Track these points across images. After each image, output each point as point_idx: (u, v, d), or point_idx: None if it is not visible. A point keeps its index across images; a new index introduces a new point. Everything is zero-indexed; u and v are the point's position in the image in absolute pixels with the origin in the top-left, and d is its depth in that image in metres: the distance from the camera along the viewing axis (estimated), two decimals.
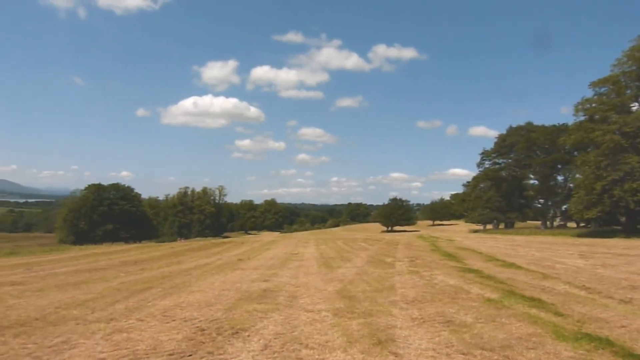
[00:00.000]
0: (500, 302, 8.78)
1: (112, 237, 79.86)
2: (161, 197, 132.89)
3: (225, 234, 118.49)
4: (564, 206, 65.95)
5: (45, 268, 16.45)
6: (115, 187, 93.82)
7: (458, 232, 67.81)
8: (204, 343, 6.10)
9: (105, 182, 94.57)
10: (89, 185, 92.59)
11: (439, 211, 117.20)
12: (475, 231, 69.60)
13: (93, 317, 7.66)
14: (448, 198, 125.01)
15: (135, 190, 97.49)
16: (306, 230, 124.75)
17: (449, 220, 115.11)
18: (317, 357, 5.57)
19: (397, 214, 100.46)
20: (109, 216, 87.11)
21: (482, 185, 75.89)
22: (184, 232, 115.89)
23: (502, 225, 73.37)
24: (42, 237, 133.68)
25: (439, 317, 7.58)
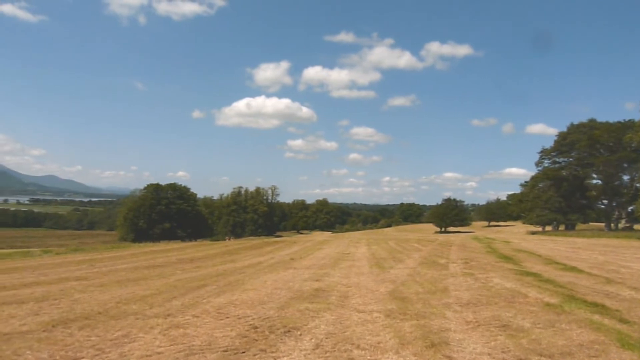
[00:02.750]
0: (560, 307, 8.43)
1: (169, 235, 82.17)
2: (216, 197, 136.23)
3: (278, 233, 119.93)
4: (630, 207, 62.50)
5: (107, 264, 17.17)
6: (172, 186, 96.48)
7: (515, 233, 65.65)
8: (256, 340, 6.19)
9: (163, 182, 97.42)
10: (148, 185, 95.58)
11: (495, 212, 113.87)
12: (534, 233, 67.12)
13: (151, 313, 7.93)
14: (504, 198, 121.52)
15: (191, 190, 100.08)
16: (358, 230, 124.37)
17: (505, 221, 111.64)
18: (368, 358, 5.53)
19: (451, 214, 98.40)
20: (167, 215, 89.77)
21: (541, 185, 73.14)
22: (238, 231, 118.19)
23: (562, 227, 70.49)
24: (104, 234, 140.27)
25: (495, 321, 7.37)
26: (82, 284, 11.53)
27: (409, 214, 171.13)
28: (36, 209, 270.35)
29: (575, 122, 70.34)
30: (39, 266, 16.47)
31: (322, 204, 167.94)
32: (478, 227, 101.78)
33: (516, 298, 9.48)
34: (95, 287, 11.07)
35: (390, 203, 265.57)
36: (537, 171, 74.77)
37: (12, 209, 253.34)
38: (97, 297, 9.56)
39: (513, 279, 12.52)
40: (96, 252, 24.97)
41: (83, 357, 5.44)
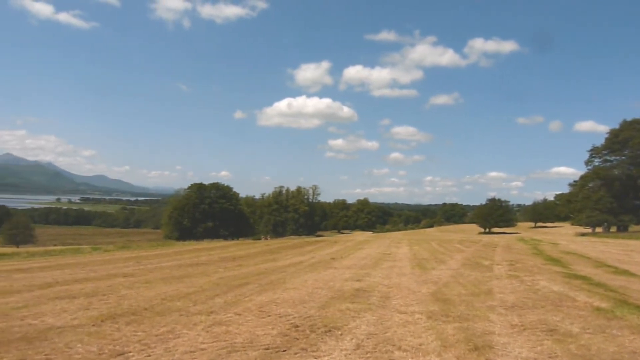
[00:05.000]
0: (612, 312, 8.09)
1: (212, 234, 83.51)
2: (257, 196, 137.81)
3: (318, 233, 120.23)
4: None
5: (153, 262, 17.64)
6: (215, 186, 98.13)
7: (563, 235, 63.50)
8: (297, 339, 6.22)
9: (206, 182, 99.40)
10: (192, 185, 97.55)
11: (542, 212, 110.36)
12: (583, 234, 64.71)
13: (195, 310, 8.09)
14: (552, 198, 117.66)
15: (234, 190, 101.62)
16: (399, 230, 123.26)
17: (552, 222, 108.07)
18: (410, 359, 5.47)
19: (496, 214, 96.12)
20: (210, 214, 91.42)
21: (591, 185, 70.50)
22: (279, 230, 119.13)
23: (613, 229, 67.73)
24: (150, 232, 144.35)
25: (542, 325, 7.14)
26: (129, 281, 11.89)
27: (451, 214, 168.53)
28: (86, 208, 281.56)
29: (628, 119, 67.51)
30: (89, 263, 17.09)
31: (363, 204, 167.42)
32: (524, 228, 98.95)
33: (564, 302, 9.17)
34: (142, 283, 11.39)
35: (433, 203, 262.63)
36: (586, 170, 72.15)
37: (65, 207, 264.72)
38: (143, 293, 9.83)
39: (561, 282, 12.11)
40: (142, 250, 25.70)
41: (130, 352, 5.60)
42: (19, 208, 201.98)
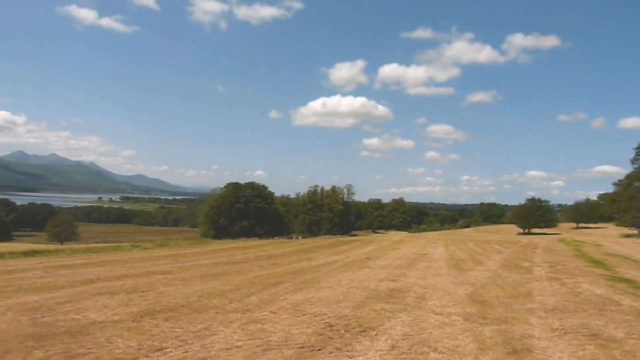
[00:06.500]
0: None
1: (248, 233, 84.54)
2: (292, 195, 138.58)
3: (353, 232, 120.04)
4: None
5: (190, 260, 17.95)
6: (251, 185, 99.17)
7: (606, 236, 61.49)
8: (332, 339, 6.22)
9: (242, 181, 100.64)
10: (228, 184, 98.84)
11: (584, 213, 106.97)
12: (628, 236, 62.48)
13: (231, 307, 8.19)
14: (595, 198, 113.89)
15: (269, 189, 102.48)
16: (435, 230, 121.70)
17: (595, 223, 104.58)
18: None
19: (535, 215, 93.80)
20: (245, 213, 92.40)
21: (637, 184, 67.98)
22: (314, 229, 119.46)
23: None
24: (187, 231, 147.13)
25: (584, 329, 6.93)
26: (167, 278, 12.13)
27: (489, 214, 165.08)
28: (126, 206, 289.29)
29: None
30: (129, 260, 17.52)
31: (398, 203, 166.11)
32: (565, 229, 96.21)
33: (607, 305, 8.87)
34: (179, 281, 11.60)
35: (470, 203, 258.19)
36: (632, 169, 69.49)
37: (106, 206, 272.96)
38: (180, 290, 10.02)
39: (604, 284, 11.73)
40: (180, 248, 26.16)
41: (168, 348, 5.71)
42: (63, 206, 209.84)
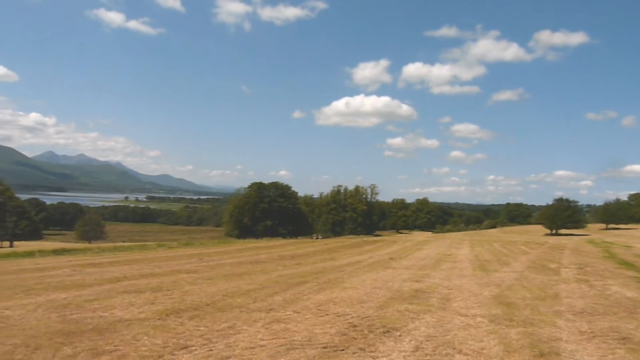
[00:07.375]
0: None
1: (271, 232, 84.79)
2: (316, 195, 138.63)
3: (377, 233, 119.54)
4: None
5: (214, 259, 18.13)
6: (275, 185, 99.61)
7: (637, 237, 59.90)
8: (355, 339, 6.20)
9: (265, 181, 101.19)
10: (252, 184, 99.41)
11: (614, 213, 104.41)
12: None
13: (255, 306, 8.24)
14: (625, 198, 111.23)
15: (292, 189, 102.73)
16: (460, 230, 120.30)
17: (626, 223, 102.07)
18: None
19: (563, 215, 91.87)
20: (269, 212, 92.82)
21: None
22: (337, 229, 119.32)
23: None
24: (212, 230, 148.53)
25: (613, 333, 6.77)
26: (192, 277, 12.27)
27: (515, 214, 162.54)
28: (152, 206, 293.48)
29: None
30: (154, 259, 17.79)
31: (423, 203, 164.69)
32: (594, 230, 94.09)
33: (638, 308, 8.65)
34: (204, 280, 11.73)
35: (495, 203, 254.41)
36: None
37: (132, 205, 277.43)
38: (205, 289, 10.13)
39: (635, 287, 11.43)
40: (204, 247, 26.45)
41: (192, 346, 5.78)
42: (91, 206, 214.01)
